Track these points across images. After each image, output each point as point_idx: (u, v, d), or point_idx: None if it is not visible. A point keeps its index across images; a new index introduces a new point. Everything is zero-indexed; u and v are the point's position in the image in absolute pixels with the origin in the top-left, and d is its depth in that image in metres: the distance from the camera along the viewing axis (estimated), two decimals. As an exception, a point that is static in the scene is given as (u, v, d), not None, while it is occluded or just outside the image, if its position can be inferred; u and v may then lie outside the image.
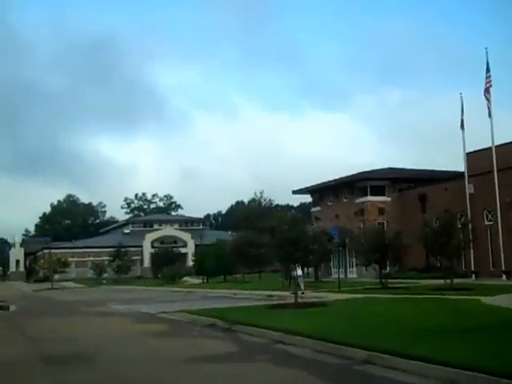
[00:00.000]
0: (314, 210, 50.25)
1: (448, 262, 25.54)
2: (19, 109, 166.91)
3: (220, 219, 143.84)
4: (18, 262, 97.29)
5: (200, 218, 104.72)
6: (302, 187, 51.15)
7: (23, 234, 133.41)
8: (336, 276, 45.68)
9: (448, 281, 24.34)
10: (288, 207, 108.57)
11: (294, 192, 52.53)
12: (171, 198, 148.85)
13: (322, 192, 48.42)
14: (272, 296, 28.32)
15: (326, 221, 46.20)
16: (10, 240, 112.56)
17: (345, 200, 46.51)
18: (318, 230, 34.66)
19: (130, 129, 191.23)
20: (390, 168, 47.49)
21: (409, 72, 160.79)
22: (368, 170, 46.75)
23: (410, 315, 14.38)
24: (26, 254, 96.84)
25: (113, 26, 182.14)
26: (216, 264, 51.32)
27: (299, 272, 27.60)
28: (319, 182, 49.20)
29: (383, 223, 43.00)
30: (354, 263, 44.76)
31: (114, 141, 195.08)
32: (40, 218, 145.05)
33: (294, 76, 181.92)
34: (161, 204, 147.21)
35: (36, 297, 42.59)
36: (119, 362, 10.38)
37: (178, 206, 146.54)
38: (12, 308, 28.68)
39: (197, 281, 56.24)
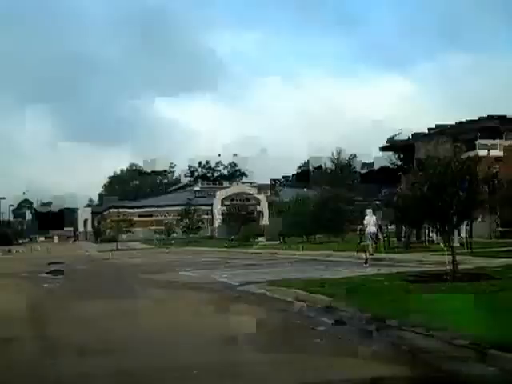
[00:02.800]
0: (404, 168, 43.21)
1: None
2: (82, 79, 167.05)
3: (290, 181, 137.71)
4: (85, 221, 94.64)
5: (269, 185, 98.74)
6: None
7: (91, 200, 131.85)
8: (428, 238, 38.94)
9: None
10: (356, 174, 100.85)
11: (382, 149, 45.44)
12: (235, 165, 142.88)
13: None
14: (381, 260, 22.24)
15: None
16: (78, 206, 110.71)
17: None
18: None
19: (190, 96, 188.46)
20: (492, 116, 38.55)
21: (474, 34, 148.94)
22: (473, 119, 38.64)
23: None
24: (94, 214, 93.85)
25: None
26: (296, 223, 45.54)
27: (373, 228, 22.40)
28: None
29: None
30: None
31: (175, 108, 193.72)
32: (109, 177, 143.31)
33: (352, 40, 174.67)
34: (225, 172, 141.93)
35: (97, 259, 38.00)
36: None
37: (243, 174, 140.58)
38: (60, 277, 23.74)
39: (272, 242, 50.66)
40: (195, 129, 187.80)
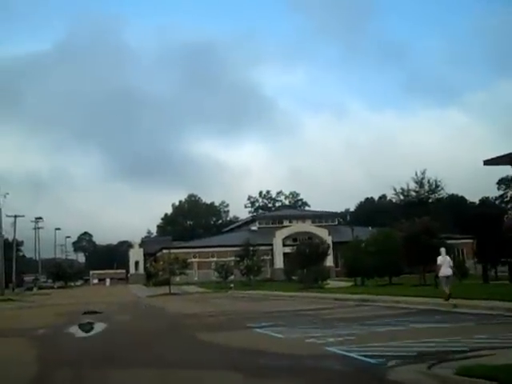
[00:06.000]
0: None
1: None
2: (133, 117, 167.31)
3: (348, 217, 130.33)
4: (137, 263, 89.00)
5: (334, 213, 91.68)
6: (501, 154, 36.46)
7: (145, 236, 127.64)
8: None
9: None
10: (428, 203, 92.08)
11: (487, 162, 37.78)
12: (297, 195, 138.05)
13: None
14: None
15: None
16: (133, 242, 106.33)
17: None
18: None
19: (240, 131, 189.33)
20: None
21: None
22: None
23: None
24: (146, 255, 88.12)
25: (215, 33, 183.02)
26: (378, 262, 38.56)
27: (449, 271, 21.13)
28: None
29: None
30: None
31: (226, 143, 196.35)
32: (162, 218, 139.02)
33: (398, 72, 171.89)
34: (286, 202, 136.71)
35: (145, 306, 31.85)
36: None
37: (305, 204, 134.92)
38: (92, 331, 17.64)
39: (342, 283, 43.84)
40: (246, 163, 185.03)
